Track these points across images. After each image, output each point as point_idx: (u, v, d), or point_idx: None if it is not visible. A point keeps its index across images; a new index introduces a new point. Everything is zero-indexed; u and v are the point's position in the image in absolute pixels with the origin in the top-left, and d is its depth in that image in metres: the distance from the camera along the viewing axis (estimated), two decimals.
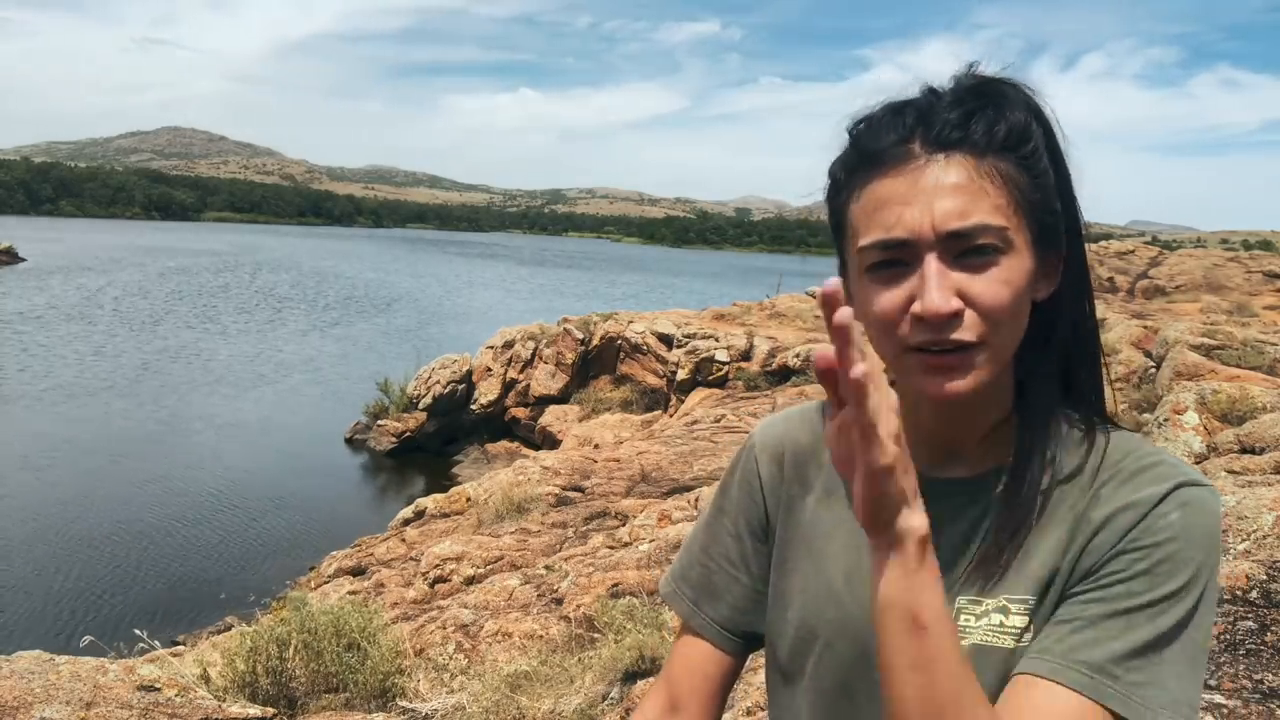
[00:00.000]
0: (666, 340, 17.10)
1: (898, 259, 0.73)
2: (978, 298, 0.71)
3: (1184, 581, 0.69)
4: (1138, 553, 0.70)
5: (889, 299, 0.73)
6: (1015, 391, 0.81)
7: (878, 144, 0.74)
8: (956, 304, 0.70)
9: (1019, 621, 0.75)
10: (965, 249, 0.71)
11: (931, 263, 0.71)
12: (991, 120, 0.72)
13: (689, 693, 0.93)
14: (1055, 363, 0.80)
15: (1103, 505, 0.74)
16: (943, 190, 0.71)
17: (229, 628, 7.26)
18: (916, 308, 0.71)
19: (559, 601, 4.96)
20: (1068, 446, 0.79)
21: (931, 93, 0.75)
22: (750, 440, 0.97)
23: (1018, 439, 0.79)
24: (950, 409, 0.78)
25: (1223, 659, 2.15)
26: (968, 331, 0.71)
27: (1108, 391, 0.83)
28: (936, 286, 0.70)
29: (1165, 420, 5.25)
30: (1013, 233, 0.71)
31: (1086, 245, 0.80)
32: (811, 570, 0.87)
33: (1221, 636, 2.25)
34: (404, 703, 3.68)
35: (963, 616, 0.77)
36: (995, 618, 0.75)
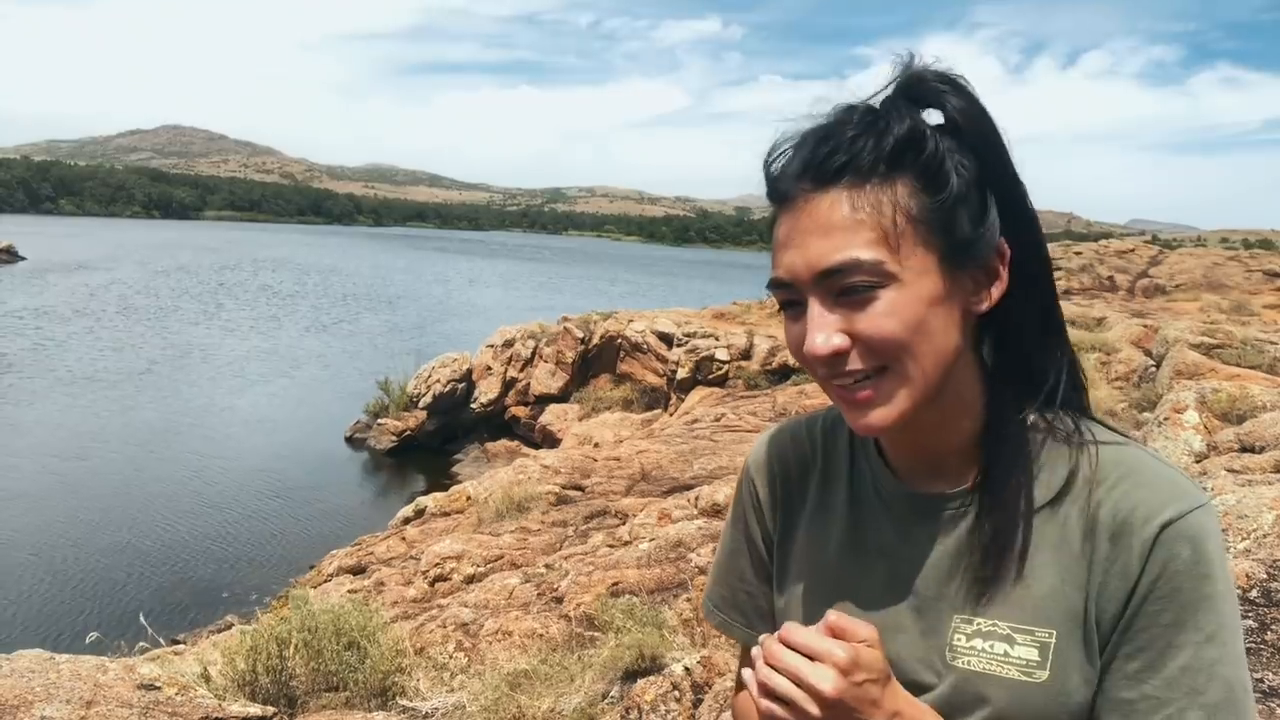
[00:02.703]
0: (666, 339, 17.10)
1: (793, 299, 0.74)
2: (860, 334, 0.71)
3: (1215, 617, 0.69)
4: (1162, 602, 0.69)
5: (793, 337, 0.75)
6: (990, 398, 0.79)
7: (777, 184, 0.75)
8: (837, 343, 0.71)
9: (1026, 654, 0.73)
10: (842, 287, 0.70)
11: (813, 305, 0.72)
12: (879, 138, 0.71)
13: None
14: (1019, 366, 0.78)
15: (1104, 533, 0.72)
16: (817, 230, 0.71)
17: (229, 626, 7.26)
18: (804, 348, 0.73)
19: (559, 600, 4.96)
20: (1052, 454, 0.77)
21: (847, 110, 0.74)
22: (745, 464, 0.97)
23: (985, 451, 0.78)
24: (906, 430, 0.76)
25: None
26: (855, 365, 0.72)
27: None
28: (816, 329, 0.71)
29: (1165, 419, 5.25)
30: (893, 263, 0.69)
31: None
32: (805, 587, 0.88)
33: None
34: (404, 701, 3.68)
35: (956, 636, 0.77)
36: (999, 646, 0.74)
